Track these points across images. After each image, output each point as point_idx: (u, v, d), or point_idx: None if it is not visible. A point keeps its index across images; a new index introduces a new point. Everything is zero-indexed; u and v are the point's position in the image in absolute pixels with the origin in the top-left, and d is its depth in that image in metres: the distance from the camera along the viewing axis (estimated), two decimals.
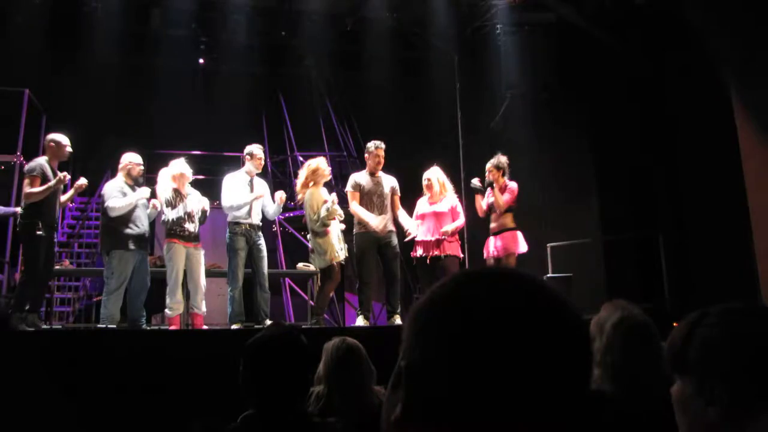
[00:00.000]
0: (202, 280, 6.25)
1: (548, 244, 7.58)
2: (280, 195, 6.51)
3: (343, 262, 6.37)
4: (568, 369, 0.70)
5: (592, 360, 0.76)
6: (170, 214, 6.12)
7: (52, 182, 5.79)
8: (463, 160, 8.87)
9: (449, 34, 9.59)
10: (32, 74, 9.03)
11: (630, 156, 8.08)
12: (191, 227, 6.18)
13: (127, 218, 6.05)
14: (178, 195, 6.23)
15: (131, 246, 5.98)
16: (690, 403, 1.11)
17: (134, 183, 6.27)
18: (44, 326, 5.95)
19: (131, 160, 6.31)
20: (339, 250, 6.22)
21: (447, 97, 9.51)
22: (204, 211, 6.33)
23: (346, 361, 2.82)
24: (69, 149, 6.08)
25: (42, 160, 5.94)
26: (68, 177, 5.98)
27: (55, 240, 6.22)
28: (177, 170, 6.31)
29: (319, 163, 6.42)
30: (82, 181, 6.08)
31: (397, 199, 6.50)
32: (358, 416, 2.72)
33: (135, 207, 6.12)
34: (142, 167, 6.35)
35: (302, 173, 6.46)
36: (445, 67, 9.70)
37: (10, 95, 8.79)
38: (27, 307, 5.73)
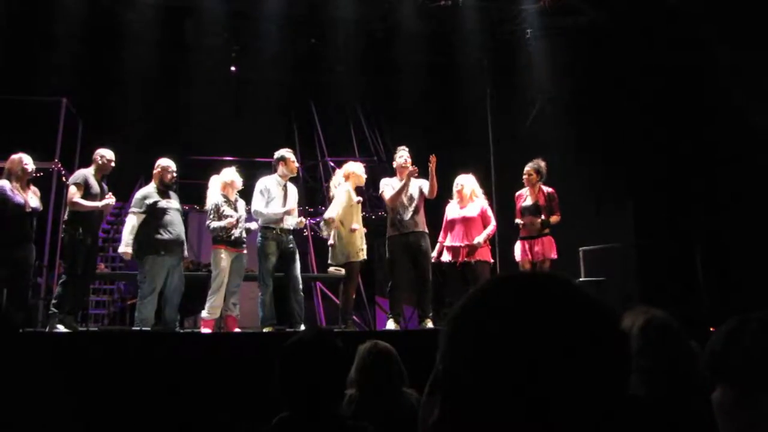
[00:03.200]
0: (239, 283, 6.35)
1: (580, 248, 7.50)
2: (300, 220, 6.63)
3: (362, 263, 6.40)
4: (607, 372, 0.70)
5: (630, 363, 0.76)
6: (219, 222, 6.25)
7: (100, 203, 6.07)
8: (494, 164, 8.83)
9: (479, 39, 9.57)
10: (69, 84, 9.24)
11: (665, 158, 7.95)
12: (237, 233, 6.29)
13: (159, 224, 6.16)
14: (228, 202, 6.35)
15: (163, 252, 6.09)
16: (733, 410, 1.09)
17: (166, 188, 6.39)
18: (81, 328, 6.07)
19: (162, 165, 6.44)
20: (360, 251, 6.26)
21: (478, 102, 9.48)
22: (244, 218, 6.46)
23: (377, 364, 2.83)
24: (113, 164, 6.30)
25: (87, 172, 6.20)
26: (113, 200, 6.28)
27: (97, 245, 6.37)
28: (228, 178, 6.46)
29: (356, 169, 6.50)
30: (110, 201, 6.24)
31: (433, 177, 6.39)
32: (390, 419, 2.73)
33: (167, 212, 6.22)
34: (174, 173, 6.47)
35: (339, 173, 6.54)
36: (475, 72, 9.67)
37: (48, 104, 9.02)
38: (66, 309, 5.89)
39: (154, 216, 6.17)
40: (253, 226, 6.41)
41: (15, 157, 6.02)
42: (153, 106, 9.79)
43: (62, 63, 9.00)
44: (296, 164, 6.60)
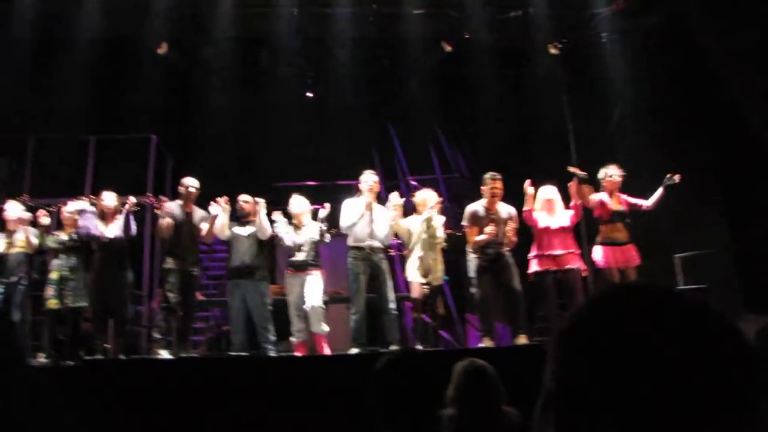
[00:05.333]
0: (317, 302, 6.33)
1: (676, 255, 7.20)
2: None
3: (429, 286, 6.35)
4: (733, 387, 0.68)
5: (759, 373, 0.72)
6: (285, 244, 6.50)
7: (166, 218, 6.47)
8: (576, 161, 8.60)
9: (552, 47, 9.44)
10: (158, 121, 9.72)
11: (756, 156, 7.55)
12: (301, 256, 6.40)
13: (230, 253, 6.59)
14: (295, 227, 6.54)
15: (233, 278, 6.44)
16: None
17: (239, 218, 6.67)
18: (182, 354, 6.30)
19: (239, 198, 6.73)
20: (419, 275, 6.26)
21: (556, 110, 9.31)
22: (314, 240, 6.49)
23: (474, 382, 2.81)
24: (192, 190, 6.58)
25: (173, 204, 6.62)
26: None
27: (193, 273, 6.58)
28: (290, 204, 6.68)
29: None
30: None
31: (512, 232, 6.34)
32: None
33: (237, 240, 6.51)
34: (241, 203, 6.66)
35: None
36: (551, 80, 9.52)
37: (139, 142, 9.54)
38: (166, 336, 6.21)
39: (228, 246, 6.63)
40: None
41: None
42: (235, 137, 10.11)
43: (150, 102, 9.46)
44: (367, 185, 6.50)
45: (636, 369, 0.67)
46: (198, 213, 6.61)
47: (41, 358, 6.71)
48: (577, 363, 0.72)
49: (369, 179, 6.53)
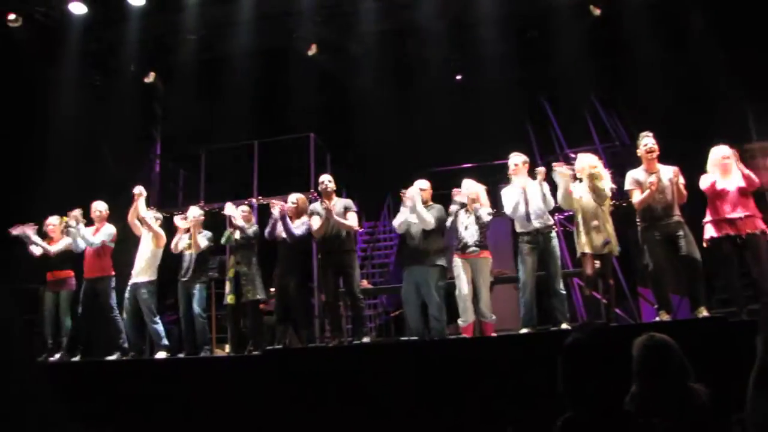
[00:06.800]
0: (486, 290, 6.32)
1: None
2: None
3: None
4: None
5: None
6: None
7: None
8: (755, 128, 7.85)
9: None
10: (314, 120, 10.19)
11: None
12: (465, 239, 6.37)
13: (403, 239, 6.58)
14: (466, 210, 6.49)
15: (405, 264, 6.49)
16: None
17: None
18: (355, 341, 6.55)
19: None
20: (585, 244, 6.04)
21: (720, 65, 8.54)
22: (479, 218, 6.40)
23: (654, 358, 2.71)
24: (322, 186, 6.82)
25: (314, 204, 6.93)
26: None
27: (344, 262, 6.62)
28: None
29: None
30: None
31: (681, 186, 5.96)
32: (678, 415, 2.58)
33: (410, 227, 6.48)
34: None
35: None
36: (713, 32, 8.73)
37: (299, 141, 10.07)
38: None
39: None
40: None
41: None
42: (389, 127, 10.32)
43: (305, 102, 9.95)
44: (511, 165, 6.44)
45: None
46: (339, 204, 6.73)
47: (226, 350, 7.29)
48: None
49: (511, 162, 6.48)
